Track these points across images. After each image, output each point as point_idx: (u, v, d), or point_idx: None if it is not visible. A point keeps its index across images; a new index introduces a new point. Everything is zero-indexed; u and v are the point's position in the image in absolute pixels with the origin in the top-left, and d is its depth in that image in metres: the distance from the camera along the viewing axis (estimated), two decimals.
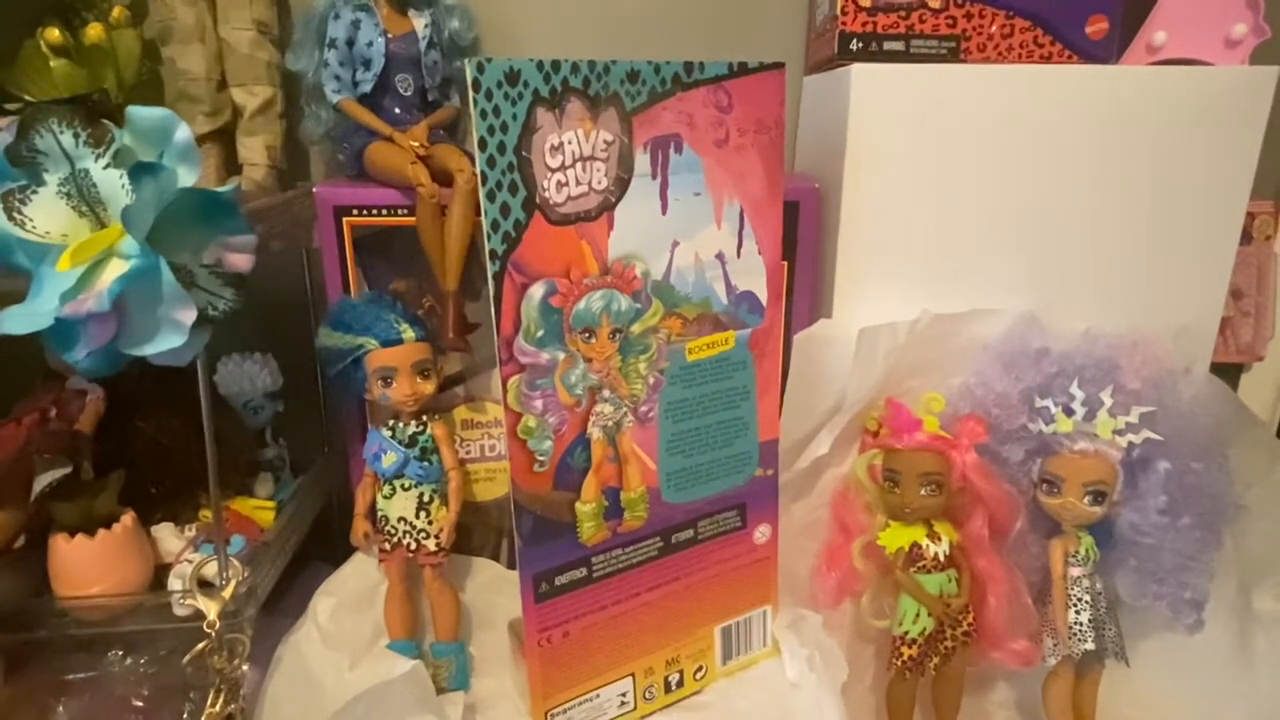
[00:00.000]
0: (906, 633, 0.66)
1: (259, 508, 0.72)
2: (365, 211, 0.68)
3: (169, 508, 0.68)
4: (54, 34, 0.69)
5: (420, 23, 0.72)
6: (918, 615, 0.66)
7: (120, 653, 0.64)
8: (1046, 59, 0.73)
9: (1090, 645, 0.65)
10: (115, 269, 0.46)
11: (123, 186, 0.47)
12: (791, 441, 0.69)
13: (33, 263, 0.47)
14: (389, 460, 0.65)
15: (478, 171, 0.48)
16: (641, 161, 0.53)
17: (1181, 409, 0.65)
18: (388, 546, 0.67)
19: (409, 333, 0.64)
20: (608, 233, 0.53)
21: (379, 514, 0.67)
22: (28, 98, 0.69)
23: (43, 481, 0.60)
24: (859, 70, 0.69)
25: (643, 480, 0.59)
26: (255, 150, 0.79)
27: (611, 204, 0.53)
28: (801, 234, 0.72)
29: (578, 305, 0.53)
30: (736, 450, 0.62)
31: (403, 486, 0.66)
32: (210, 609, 0.57)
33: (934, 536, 0.66)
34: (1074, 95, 0.69)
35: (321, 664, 0.64)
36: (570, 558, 0.58)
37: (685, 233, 0.56)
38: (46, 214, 0.47)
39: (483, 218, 0.49)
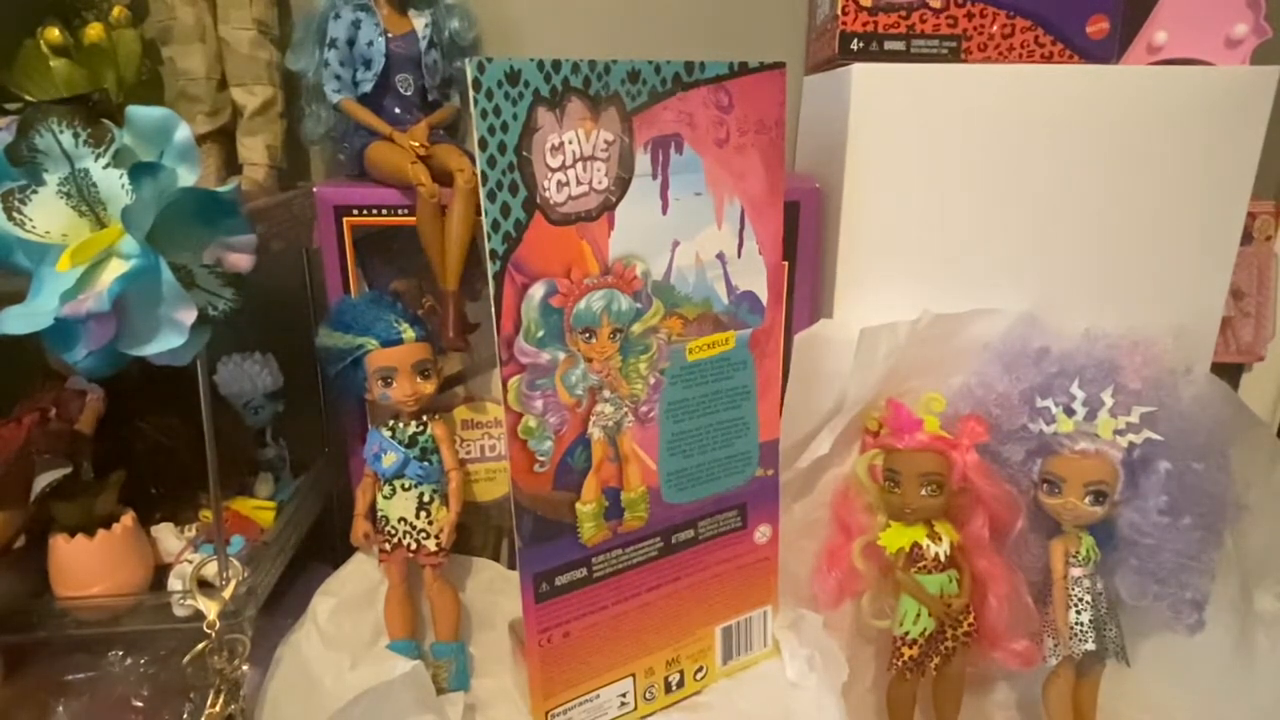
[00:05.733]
0: (907, 633, 0.66)
1: (259, 508, 0.72)
2: (365, 211, 0.68)
3: (169, 508, 0.68)
4: (54, 34, 0.69)
5: (420, 22, 0.72)
6: (918, 615, 0.66)
7: (120, 653, 0.64)
8: (1047, 59, 0.73)
9: (1091, 645, 0.65)
10: (115, 269, 0.46)
11: (123, 186, 0.47)
12: (792, 441, 0.69)
13: (33, 263, 0.47)
14: (389, 460, 0.65)
15: (478, 171, 0.48)
16: (642, 161, 0.53)
17: (1182, 409, 0.65)
18: (388, 547, 0.67)
19: (409, 333, 0.64)
20: (608, 232, 0.53)
21: (379, 514, 0.67)
22: (28, 97, 0.69)
23: (43, 481, 0.59)
24: (859, 70, 0.69)
25: (643, 480, 0.59)
26: (255, 150, 0.79)
27: (612, 204, 0.53)
28: (802, 234, 0.72)
29: (578, 305, 0.53)
30: (737, 450, 0.62)
31: (403, 487, 0.66)
32: (210, 609, 0.57)
33: (934, 537, 0.66)
34: (1075, 95, 0.69)
35: (321, 664, 0.64)
36: (570, 558, 0.58)
37: (686, 233, 0.56)
38: (46, 214, 0.47)
39: (483, 217, 0.49)
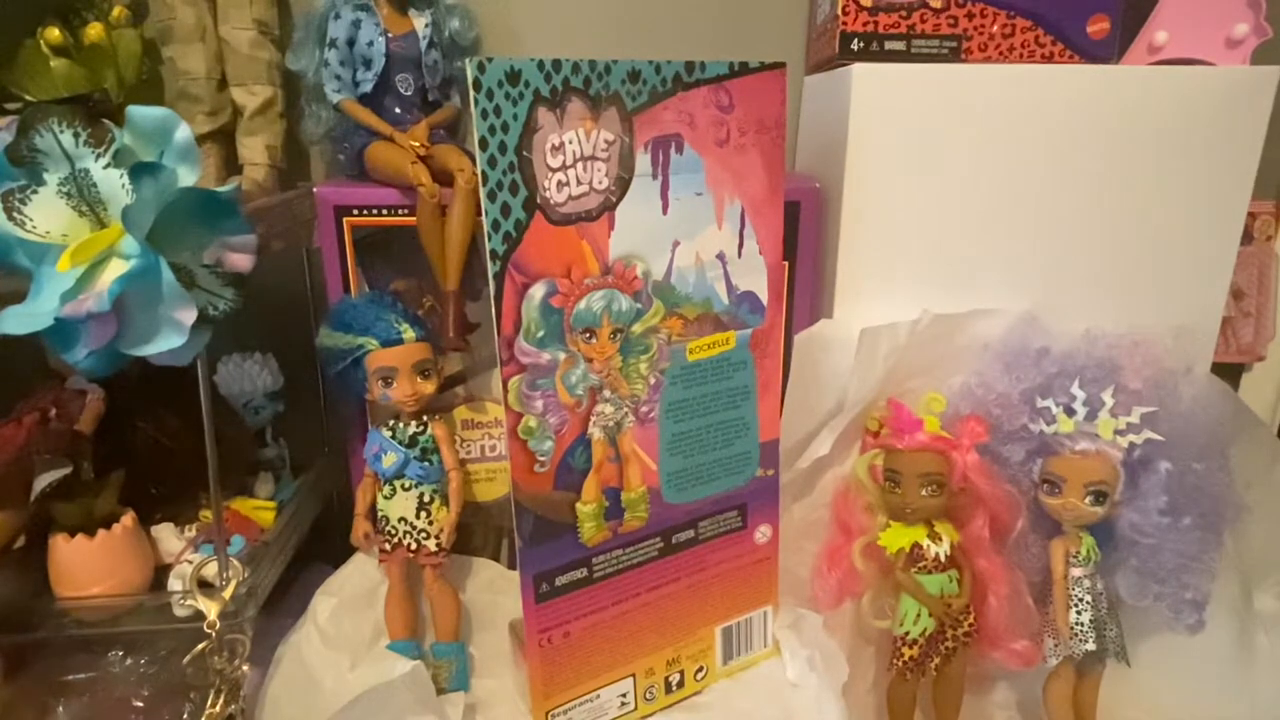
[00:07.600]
0: (907, 633, 0.66)
1: (259, 508, 0.72)
2: (365, 211, 0.68)
3: (169, 508, 0.68)
4: (54, 34, 0.69)
5: (421, 22, 0.72)
6: (918, 616, 0.66)
7: (120, 653, 0.64)
8: (1048, 59, 0.73)
9: (1091, 646, 0.65)
10: (115, 269, 0.46)
11: (123, 186, 0.47)
12: (792, 442, 0.69)
13: (33, 263, 0.47)
14: (389, 460, 0.65)
15: (478, 171, 0.48)
16: (642, 161, 0.53)
17: (1182, 409, 0.65)
18: (388, 547, 0.67)
19: (409, 333, 0.64)
20: (608, 233, 0.53)
21: (379, 514, 0.67)
22: (28, 97, 0.69)
23: (43, 481, 0.59)
24: (860, 70, 0.69)
25: (643, 480, 0.59)
26: (255, 150, 0.78)
27: (612, 204, 0.53)
28: (802, 234, 0.72)
29: (578, 305, 0.53)
30: (737, 450, 0.62)
31: (403, 487, 0.66)
32: (210, 609, 0.57)
33: (935, 537, 0.66)
34: (1075, 95, 0.69)
35: (321, 664, 0.64)
36: (571, 558, 0.58)
37: (686, 233, 0.56)
38: (46, 214, 0.47)
39: (483, 218, 0.49)
